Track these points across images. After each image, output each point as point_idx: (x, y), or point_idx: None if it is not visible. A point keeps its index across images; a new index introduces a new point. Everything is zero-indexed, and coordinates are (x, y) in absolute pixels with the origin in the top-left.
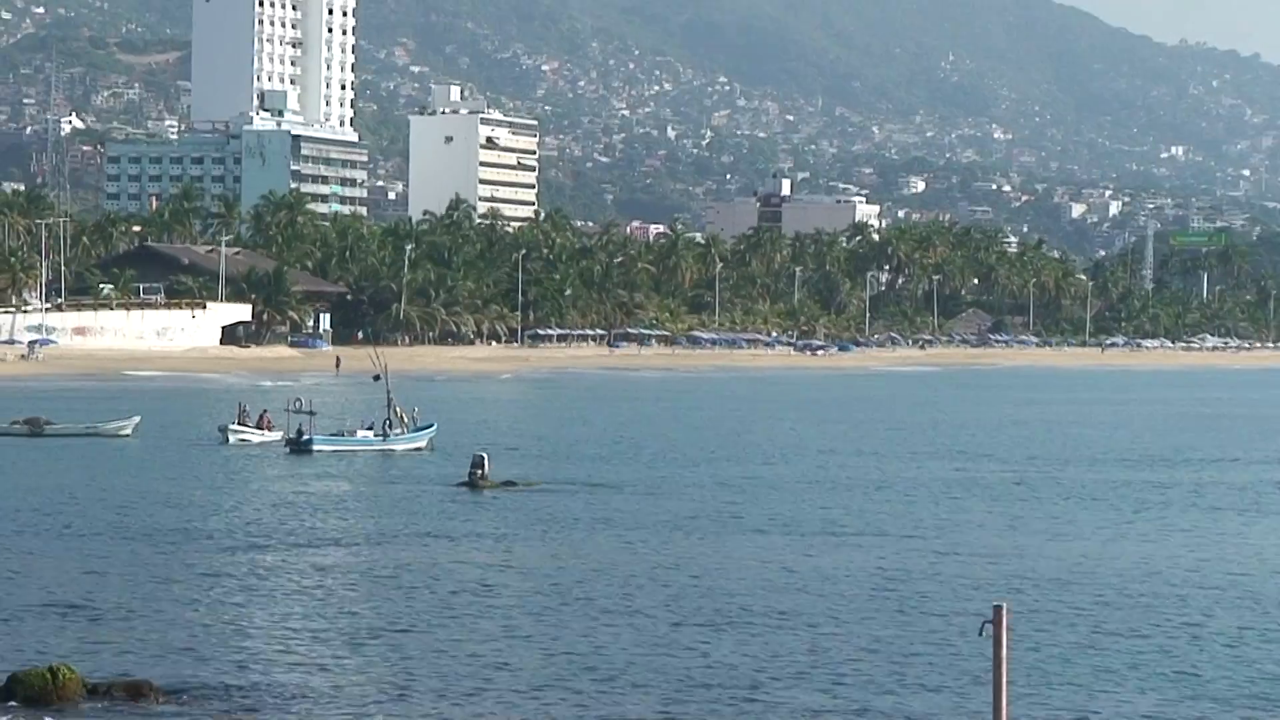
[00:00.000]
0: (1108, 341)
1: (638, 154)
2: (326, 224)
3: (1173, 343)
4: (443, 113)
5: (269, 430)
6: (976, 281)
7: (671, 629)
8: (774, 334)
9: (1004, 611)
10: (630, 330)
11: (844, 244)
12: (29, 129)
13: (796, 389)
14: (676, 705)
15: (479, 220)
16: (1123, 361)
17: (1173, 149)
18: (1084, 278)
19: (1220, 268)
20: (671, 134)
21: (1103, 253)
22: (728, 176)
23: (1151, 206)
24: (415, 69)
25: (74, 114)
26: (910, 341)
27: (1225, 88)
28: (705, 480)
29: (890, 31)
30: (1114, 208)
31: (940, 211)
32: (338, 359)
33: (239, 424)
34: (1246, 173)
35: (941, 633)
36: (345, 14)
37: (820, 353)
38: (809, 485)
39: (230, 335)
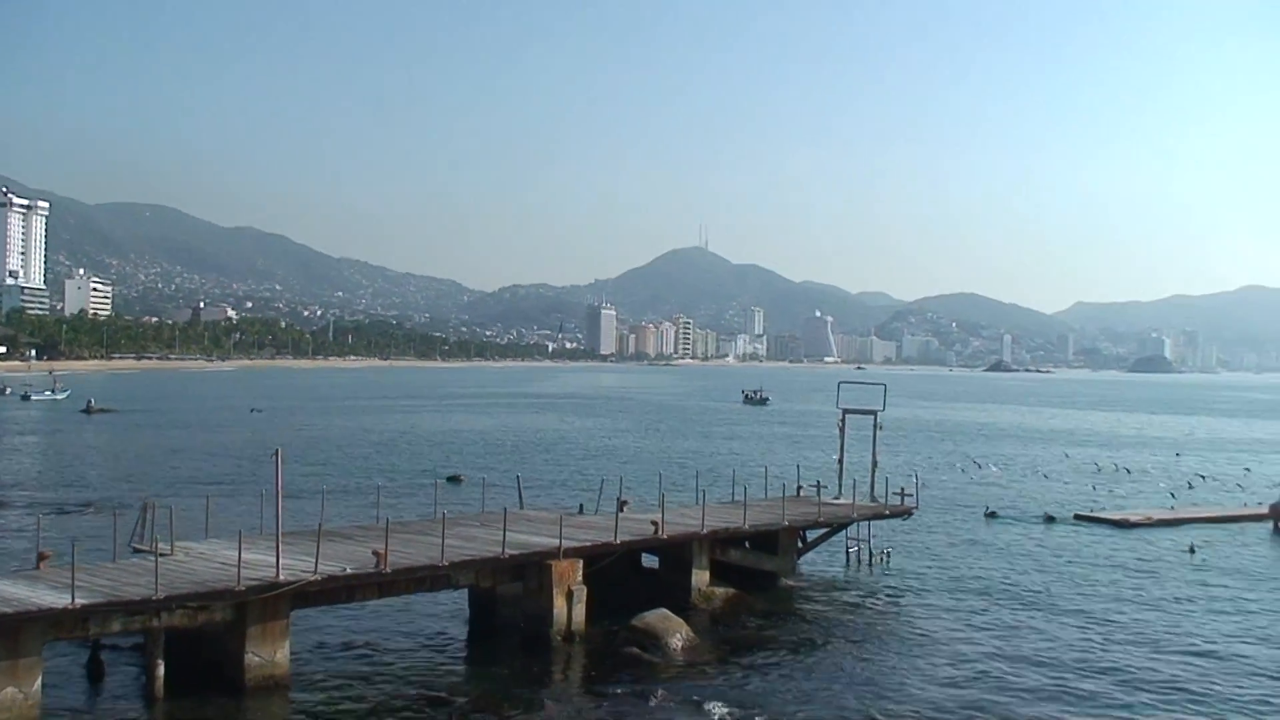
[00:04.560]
0: None
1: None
2: (34, 318)
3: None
4: (79, 276)
5: (7, 392)
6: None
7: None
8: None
9: (280, 452)
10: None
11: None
12: None
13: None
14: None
15: (90, 315)
16: None
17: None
18: None
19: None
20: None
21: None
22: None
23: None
24: (67, 264)
25: None
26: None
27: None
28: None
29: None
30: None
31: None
32: (30, 365)
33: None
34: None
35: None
36: (41, 241)
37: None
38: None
39: None
